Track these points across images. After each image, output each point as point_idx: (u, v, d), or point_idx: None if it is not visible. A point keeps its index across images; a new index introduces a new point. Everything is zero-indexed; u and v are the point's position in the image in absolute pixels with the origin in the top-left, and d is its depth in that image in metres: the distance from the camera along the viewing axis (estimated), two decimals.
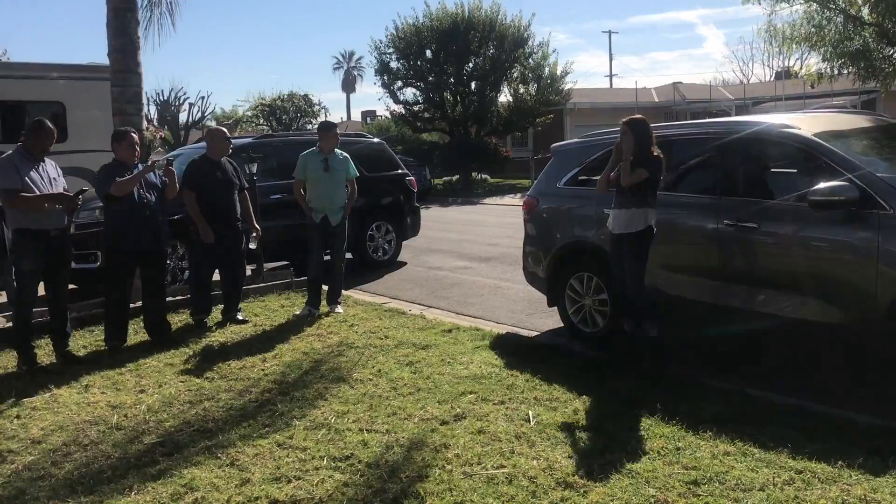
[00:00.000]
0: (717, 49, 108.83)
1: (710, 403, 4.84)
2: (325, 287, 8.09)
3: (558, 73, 30.47)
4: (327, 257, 8.10)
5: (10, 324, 6.54)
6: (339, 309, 7.96)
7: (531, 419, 4.65)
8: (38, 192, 5.87)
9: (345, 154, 8.15)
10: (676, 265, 6.09)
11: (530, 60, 30.16)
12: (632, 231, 5.77)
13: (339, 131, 8.30)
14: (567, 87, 30.90)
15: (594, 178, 6.84)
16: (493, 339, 6.60)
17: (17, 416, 4.95)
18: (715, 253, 5.78)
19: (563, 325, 6.95)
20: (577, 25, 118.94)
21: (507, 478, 3.85)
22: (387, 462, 4.07)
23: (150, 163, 7.03)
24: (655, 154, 5.76)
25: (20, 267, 6.03)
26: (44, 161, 6.09)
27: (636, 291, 5.83)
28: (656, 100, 37.20)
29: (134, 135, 6.72)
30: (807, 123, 5.77)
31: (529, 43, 30.10)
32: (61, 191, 6.05)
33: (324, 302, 8.05)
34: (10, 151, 6.03)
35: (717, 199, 5.81)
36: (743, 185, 5.91)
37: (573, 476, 3.85)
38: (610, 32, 65.76)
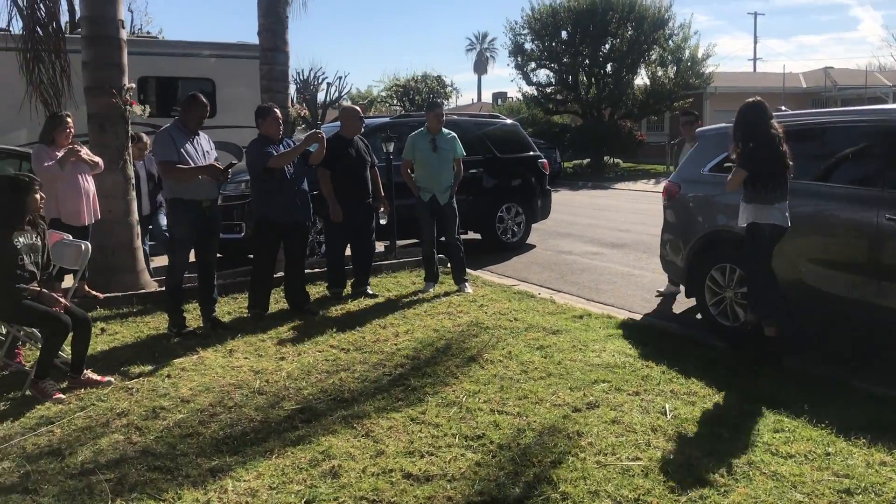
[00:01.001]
0: (874, 32, 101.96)
1: (863, 409, 4.54)
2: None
3: (699, 55, 29.43)
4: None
5: (163, 288, 6.93)
6: (468, 288, 8.00)
7: (668, 412, 4.50)
8: (192, 164, 6.17)
9: (452, 133, 8.18)
10: (826, 259, 5.74)
11: (670, 42, 29.26)
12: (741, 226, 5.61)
13: (473, 112, 8.33)
14: (708, 70, 29.76)
15: None
16: (627, 328, 6.45)
17: (168, 376, 5.24)
18: (871, 248, 5.40)
19: (700, 316, 6.70)
20: (719, 6, 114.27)
21: (642, 470, 3.75)
22: (519, 445, 4.05)
23: (300, 137, 7.25)
24: (751, 145, 5.46)
25: (174, 234, 6.38)
26: (198, 134, 6.39)
27: (753, 288, 5.64)
28: (804, 85, 35.16)
29: (277, 111, 6.94)
30: None
31: (670, 24, 29.23)
32: (213, 163, 6.33)
33: (452, 282, 8.13)
34: (168, 125, 6.36)
35: (879, 191, 5.41)
36: None
37: (713, 474, 3.70)
38: (756, 14, 62.81)
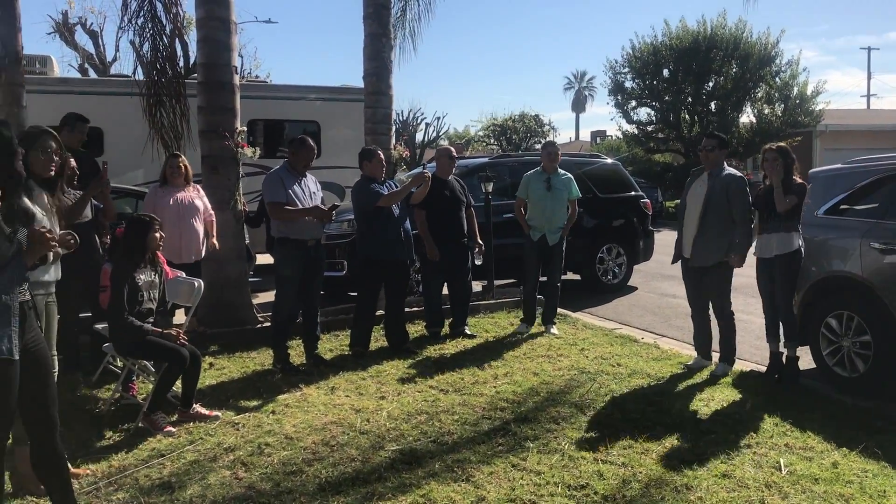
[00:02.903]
0: None
1: None
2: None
3: (808, 92, 28.44)
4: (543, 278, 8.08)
5: (269, 324, 7.10)
6: (554, 330, 7.90)
7: (782, 468, 4.28)
8: (299, 205, 6.34)
9: (568, 174, 8.13)
10: None
11: (777, 79, 28.45)
12: (784, 252, 6.01)
13: (573, 151, 8.29)
14: (818, 107, 28.73)
15: (858, 207, 6.27)
16: (736, 376, 6.20)
17: (273, 412, 5.34)
18: None
19: (815, 365, 6.38)
20: (827, 41, 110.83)
21: None
22: (624, 497, 3.91)
23: (402, 178, 7.37)
24: (800, 181, 6.07)
25: (281, 272, 6.55)
26: (305, 176, 6.58)
27: (790, 312, 6.12)
28: None
29: (380, 153, 7.09)
30: None
31: (777, 61, 28.43)
32: (319, 204, 6.49)
33: (539, 321, 8.06)
34: (278, 167, 6.57)
35: None
36: None
37: None
38: (869, 49, 60.44)
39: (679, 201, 6.87)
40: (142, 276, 5.09)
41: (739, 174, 6.43)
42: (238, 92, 7.92)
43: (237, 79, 8.01)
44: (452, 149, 8.25)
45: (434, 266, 7.64)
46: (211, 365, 6.57)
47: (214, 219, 7.27)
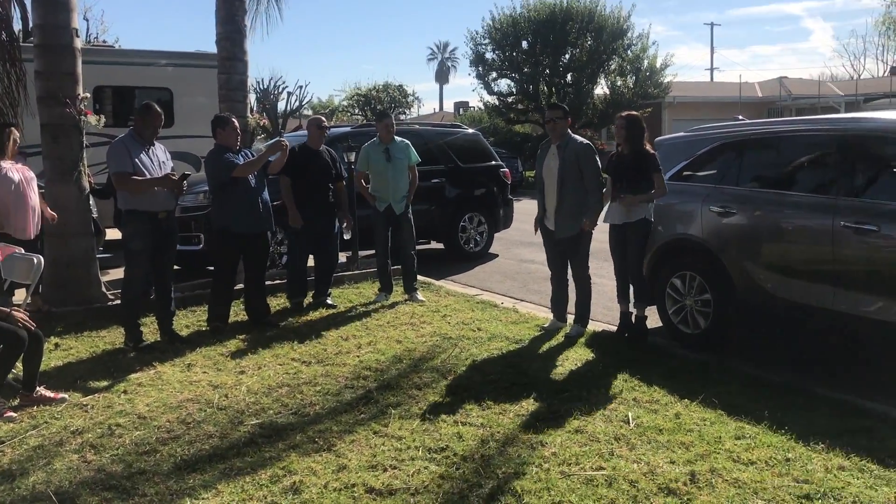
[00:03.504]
0: (825, 43, 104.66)
1: (821, 414, 4.60)
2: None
3: (658, 65, 29.82)
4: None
5: (119, 301, 6.78)
6: (419, 296, 7.99)
7: (630, 421, 4.51)
8: (147, 175, 6.05)
9: (405, 141, 8.21)
10: (785, 267, 5.80)
11: (629, 52, 29.64)
12: (635, 220, 6.34)
13: (435, 122, 8.35)
14: (666, 80, 30.18)
15: (700, 173, 6.64)
16: (589, 336, 6.47)
17: (124, 392, 5.12)
18: (829, 255, 5.48)
19: (661, 324, 6.75)
20: (674, 17, 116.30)
21: (606, 480, 3.74)
22: (482, 456, 4.02)
23: (260, 147, 7.16)
24: (651, 151, 6.37)
25: (130, 246, 6.24)
26: (153, 145, 6.28)
27: (640, 275, 6.50)
28: (760, 94, 35.85)
29: (235, 120, 6.85)
30: None
31: (628, 34, 29.60)
32: (169, 174, 6.22)
33: (402, 291, 8.17)
34: (123, 135, 6.24)
35: (834, 199, 5.49)
36: (862, 186, 5.56)
37: (676, 482, 3.71)
38: (712, 24, 63.60)
39: (536, 169, 6.99)
40: None
41: (587, 141, 6.63)
42: (80, 56, 7.43)
43: (79, 42, 7.51)
44: (323, 119, 8.11)
45: (300, 236, 7.53)
46: (57, 346, 6.21)
47: (38, 194, 6.82)
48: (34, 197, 6.56)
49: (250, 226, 6.72)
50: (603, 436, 4.29)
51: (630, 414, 4.62)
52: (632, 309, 6.52)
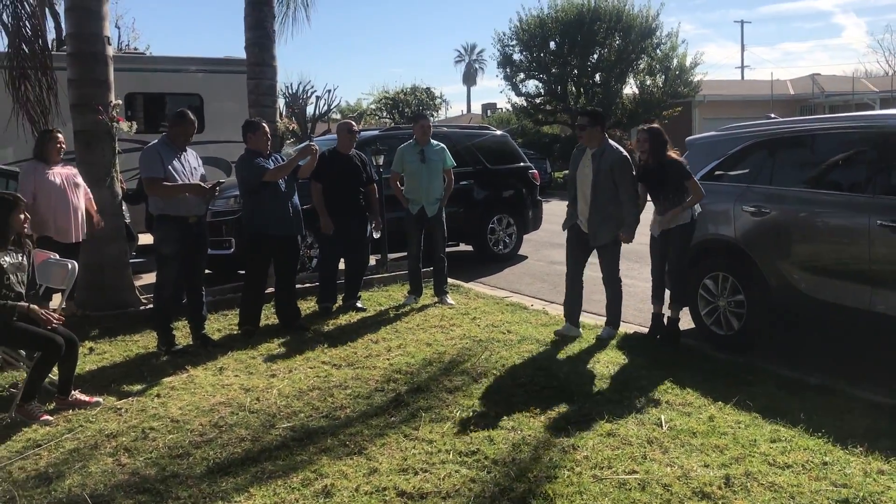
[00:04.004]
0: (858, 39, 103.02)
1: (858, 417, 4.52)
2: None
3: (687, 64, 29.57)
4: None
5: (151, 305, 6.86)
6: (449, 300, 7.98)
7: (663, 424, 4.46)
8: (179, 181, 6.12)
9: (441, 144, 8.18)
10: (820, 267, 5.71)
11: (658, 51, 29.42)
12: (678, 224, 6.28)
13: (463, 124, 8.33)
14: (696, 78, 29.91)
15: (731, 172, 6.56)
16: (620, 339, 6.41)
17: (158, 395, 5.17)
18: (864, 254, 5.38)
19: (693, 325, 6.67)
20: (703, 15, 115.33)
21: (639, 484, 3.70)
22: (514, 460, 3.99)
23: (290, 152, 7.21)
24: (675, 158, 6.26)
25: (161, 251, 6.31)
26: (185, 150, 6.34)
27: (680, 278, 6.39)
28: (792, 92, 35.37)
29: (265, 125, 6.89)
30: None
31: (657, 33, 29.39)
32: (200, 180, 6.28)
33: (432, 293, 8.17)
34: (156, 141, 6.31)
35: (871, 197, 5.39)
36: None
37: (710, 486, 3.66)
38: (742, 22, 63.02)
39: (567, 173, 6.84)
40: (6, 259, 4.80)
41: (623, 153, 6.39)
42: (111, 64, 7.54)
43: (110, 50, 7.62)
44: (353, 123, 8.14)
45: (331, 240, 7.56)
46: (91, 350, 6.29)
47: (91, 195, 7.03)
48: (78, 200, 6.73)
49: (280, 230, 6.75)
50: (635, 439, 4.24)
51: (663, 417, 4.57)
52: (665, 311, 6.44)
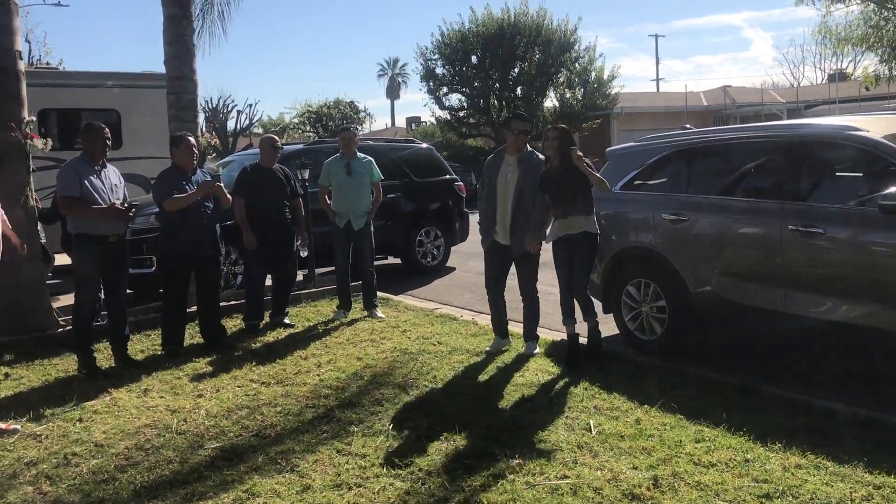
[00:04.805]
0: (765, 52, 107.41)
1: (777, 414, 4.70)
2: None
3: (605, 77, 30.30)
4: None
5: (71, 327, 6.63)
6: (379, 313, 7.97)
7: (592, 428, 4.56)
8: (98, 198, 5.95)
9: (368, 158, 8.19)
10: (737, 271, 5.93)
11: (577, 65, 30.07)
12: (581, 233, 6.07)
13: (388, 137, 8.35)
14: (614, 91, 30.68)
15: (651, 181, 6.75)
16: (548, 346, 6.51)
17: (80, 420, 5.00)
18: (778, 258, 5.62)
19: (618, 332, 6.83)
20: (619, 29, 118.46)
21: (571, 489, 3.77)
22: (447, 470, 4.01)
23: (205, 172, 7.04)
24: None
25: (80, 271, 6.13)
26: (105, 167, 6.18)
27: (585, 293, 6.26)
28: (705, 103, 36.67)
29: (191, 139, 6.77)
30: (873, 125, 5.57)
31: (576, 47, 30.05)
32: (122, 197, 6.14)
33: (361, 307, 8.15)
34: (73, 158, 6.13)
35: (782, 203, 5.64)
36: (807, 190, 5.73)
37: (639, 488, 3.75)
38: (657, 36, 64.90)
39: (483, 177, 6.56)
40: None
41: (542, 157, 6.34)
42: (24, 79, 7.29)
43: (22, 65, 7.37)
44: (276, 137, 8.05)
45: (256, 256, 7.46)
46: (7, 375, 6.05)
47: (5, 217, 6.71)
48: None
49: (191, 250, 6.61)
50: (566, 444, 4.32)
51: (591, 421, 4.66)
52: (577, 330, 6.21)
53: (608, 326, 6.77)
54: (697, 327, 6.42)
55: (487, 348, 6.44)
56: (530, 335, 6.47)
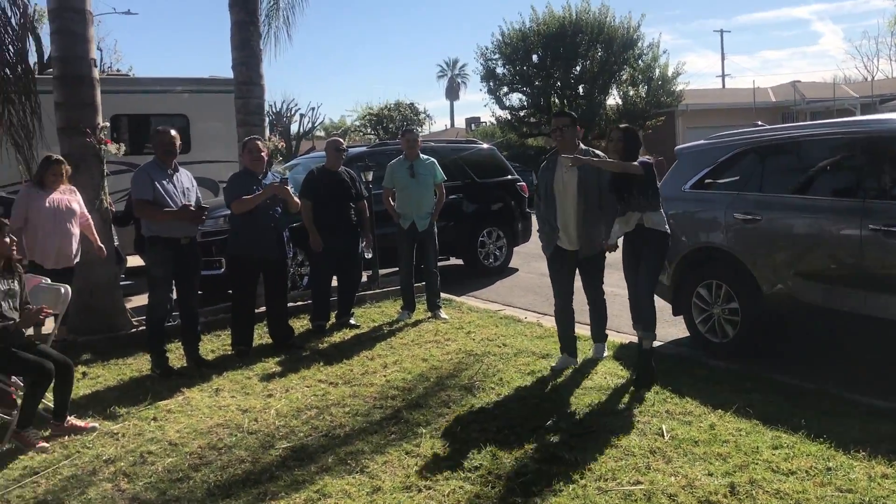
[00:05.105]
0: (835, 45, 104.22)
1: (858, 421, 4.52)
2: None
3: (669, 74, 29.79)
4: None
5: (144, 328, 6.80)
6: (443, 314, 7.96)
7: (665, 433, 4.45)
8: (170, 201, 6.09)
9: (431, 159, 8.20)
10: (813, 272, 5.73)
11: (640, 62, 29.64)
12: (651, 229, 5.53)
13: (450, 138, 8.35)
14: (678, 88, 30.15)
15: (722, 180, 6.59)
16: (616, 349, 6.40)
17: (154, 419, 5.11)
18: (856, 259, 5.41)
19: (688, 334, 6.68)
20: (682, 25, 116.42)
21: (644, 494, 3.69)
22: (517, 474, 3.97)
23: (274, 174, 7.14)
24: (647, 160, 5.56)
25: (153, 273, 6.28)
26: (178, 171, 6.32)
27: (651, 302, 5.62)
28: (773, 99, 35.67)
29: (259, 142, 6.88)
30: None
31: (639, 44, 29.60)
32: (194, 200, 6.27)
33: (425, 308, 8.16)
34: (147, 163, 6.30)
35: (861, 202, 5.42)
36: (890, 188, 5.49)
37: (715, 495, 3.65)
38: (722, 31, 63.56)
39: (539, 183, 6.14)
40: None
41: (600, 154, 5.95)
42: (98, 86, 7.51)
43: (96, 72, 7.59)
44: (340, 140, 8.12)
45: (322, 258, 7.53)
46: (84, 374, 6.22)
47: (91, 221, 6.92)
48: (72, 226, 6.62)
49: (258, 252, 6.70)
50: (638, 449, 4.23)
51: (664, 426, 4.56)
52: (638, 334, 5.70)
53: (678, 329, 6.64)
54: (771, 330, 6.22)
55: (553, 364, 5.99)
56: (598, 337, 6.27)
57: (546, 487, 3.79)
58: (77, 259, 6.81)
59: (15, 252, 5.00)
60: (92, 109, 7.37)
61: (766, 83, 49.63)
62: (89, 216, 6.92)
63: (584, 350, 6.33)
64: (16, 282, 4.92)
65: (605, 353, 6.23)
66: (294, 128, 40.38)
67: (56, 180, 6.62)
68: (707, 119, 30.90)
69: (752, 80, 38.58)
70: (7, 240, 4.87)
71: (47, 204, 6.52)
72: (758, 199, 6.11)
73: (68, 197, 6.71)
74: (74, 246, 6.74)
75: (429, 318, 7.91)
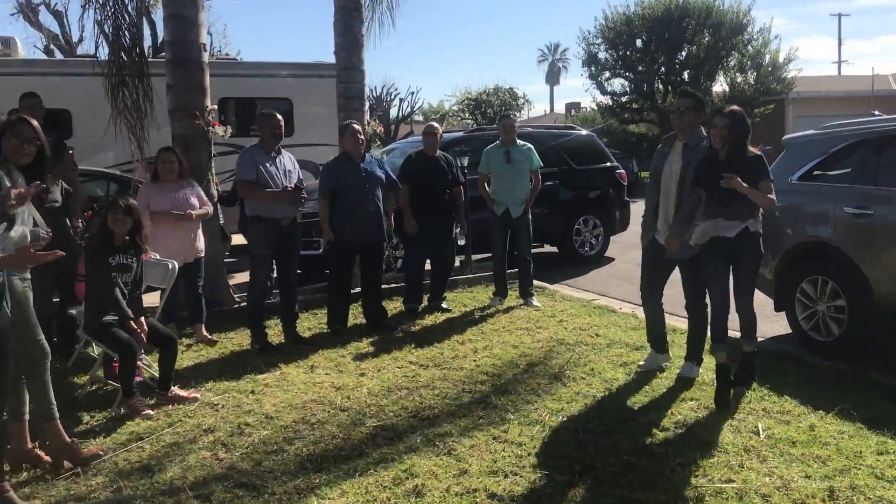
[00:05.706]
0: None
1: None
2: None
3: (780, 60, 28.62)
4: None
5: (245, 304, 7.04)
6: (535, 301, 7.92)
7: (761, 432, 4.32)
8: (273, 183, 6.28)
9: (528, 145, 8.12)
10: None
11: (749, 47, 28.64)
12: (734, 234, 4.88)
13: (548, 124, 8.26)
14: (790, 75, 28.94)
15: (832, 172, 6.30)
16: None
17: (252, 392, 5.31)
18: None
19: (790, 331, 6.44)
20: (797, 9, 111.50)
21: (736, 493, 3.59)
22: (605, 466, 3.93)
23: (374, 159, 7.27)
24: (755, 153, 4.91)
25: (255, 251, 6.49)
26: (281, 153, 6.51)
27: (750, 307, 5.06)
28: (894, 87, 33.78)
29: (357, 126, 7.00)
30: None
31: (748, 29, 28.57)
32: (296, 182, 6.44)
33: (517, 295, 8.12)
34: (252, 145, 6.51)
35: None
36: None
37: (813, 498, 3.53)
38: (840, 15, 60.35)
39: (651, 168, 5.71)
40: (115, 259, 5.01)
41: None
42: (207, 70, 7.78)
43: (206, 56, 7.87)
44: (437, 125, 8.18)
45: (417, 242, 7.62)
46: (189, 347, 6.51)
47: (210, 210, 6.90)
48: (189, 223, 6.52)
49: (355, 236, 6.84)
50: (731, 447, 4.12)
51: (760, 425, 4.42)
52: (742, 344, 5.20)
53: (780, 325, 6.41)
54: (881, 329, 5.93)
55: (641, 362, 5.67)
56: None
57: (636, 480, 3.75)
58: (202, 253, 6.76)
59: (126, 230, 5.14)
60: (201, 92, 7.65)
61: (887, 70, 46.92)
62: (209, 206, 6.88)
63: (679, 342, 6.18)
64: (134, 260, 5.15)
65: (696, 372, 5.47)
66: (393, 112, 40.83)
67: (166, 169, 6.46)
68: (820, 107, 29.52)
69: (871, 67, 36.60)
70: (118, 217, 5.05)
71: (165, 202, 6.41)
72: (871, 193, 5.81)
73: (186, 191, 6.59)
74: (199, 242, 6.67)
75: (521, 305, 7.90)
